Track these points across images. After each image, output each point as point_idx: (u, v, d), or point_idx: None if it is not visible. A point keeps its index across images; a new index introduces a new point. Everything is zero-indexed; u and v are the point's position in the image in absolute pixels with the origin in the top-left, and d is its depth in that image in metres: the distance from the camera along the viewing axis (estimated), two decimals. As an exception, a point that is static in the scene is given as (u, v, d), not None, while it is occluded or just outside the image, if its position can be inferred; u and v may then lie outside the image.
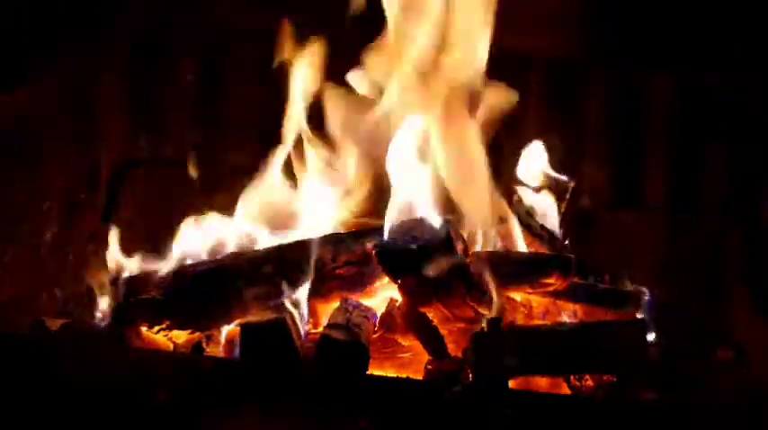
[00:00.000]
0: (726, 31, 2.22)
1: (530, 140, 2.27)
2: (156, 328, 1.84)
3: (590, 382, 1.77)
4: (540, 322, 1.92)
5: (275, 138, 2.19)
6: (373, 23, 2.06)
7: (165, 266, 2.00)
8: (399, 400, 1.61)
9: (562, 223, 2.16)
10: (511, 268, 1.90)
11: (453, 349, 1.79)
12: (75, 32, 2.16)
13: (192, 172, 2.17)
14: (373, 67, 2.07)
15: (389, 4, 2.00)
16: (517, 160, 2.22)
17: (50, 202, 2.08)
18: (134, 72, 2.40)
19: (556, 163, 2.21)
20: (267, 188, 2.14)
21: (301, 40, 2.29)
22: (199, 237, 2.09)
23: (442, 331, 1.80)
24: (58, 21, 2.08)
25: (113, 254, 1.99)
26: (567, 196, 2.18)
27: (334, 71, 2.13)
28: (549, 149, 2.21)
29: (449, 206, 2.00)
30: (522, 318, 1.91)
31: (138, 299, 1.86)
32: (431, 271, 1.76)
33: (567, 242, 2.10)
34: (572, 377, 1.79)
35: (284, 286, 1.81)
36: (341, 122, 2.09)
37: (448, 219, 1.87)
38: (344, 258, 1.87)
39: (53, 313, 2.07)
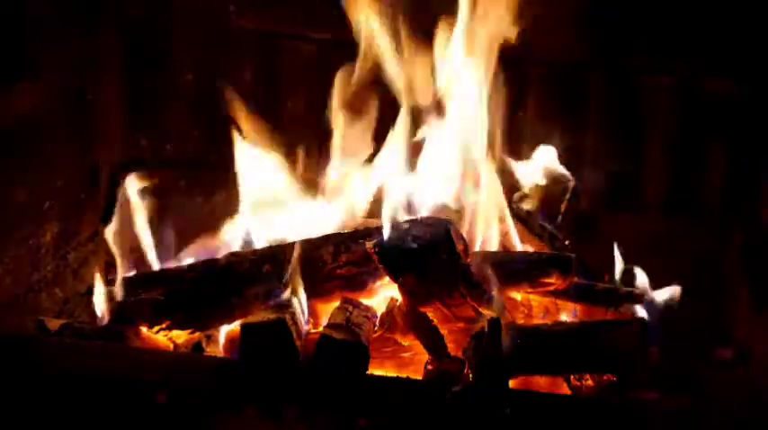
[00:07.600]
0: (725, 31, 2.22)
1: (529, 140, 2.27)
2: (156, 328, 1.84)
3: (590, 382, 1.77)
4: (540, 322, 1.92)
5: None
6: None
7: (165, 266, 2.01)
8: (399, 400, 1.61)
9: (562, 223, 2.16)
10: (511, 268, 1.90)
11: (453, 349, 1.79)
12: (75, 32, 2.16)
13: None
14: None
15: None
16: (516, 160, 2.22)
17: (50, 202, 2.08)
18: (134, 72, 2.40)
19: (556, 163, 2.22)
20: (269, 188, 2.14)
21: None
22: (199, 237, 2.10)
23: (442, 331, 1.80)
24: (56, 20, 2.08)
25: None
26: (567, 195, 2.18)
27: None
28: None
29: (449, 206, 2.01)
30: (522, 318, 1.91)
31: (138, 299, 1.86)
32: (431, 270, 1.76)
33: (567, 242, 2.10)
34: (572, 377, 1.79)
35: (284, 285, 1.81)
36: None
37: (448, 219, 1.88)
38: (344, 258, 1.87)
39: (53, 313, 2.07)
